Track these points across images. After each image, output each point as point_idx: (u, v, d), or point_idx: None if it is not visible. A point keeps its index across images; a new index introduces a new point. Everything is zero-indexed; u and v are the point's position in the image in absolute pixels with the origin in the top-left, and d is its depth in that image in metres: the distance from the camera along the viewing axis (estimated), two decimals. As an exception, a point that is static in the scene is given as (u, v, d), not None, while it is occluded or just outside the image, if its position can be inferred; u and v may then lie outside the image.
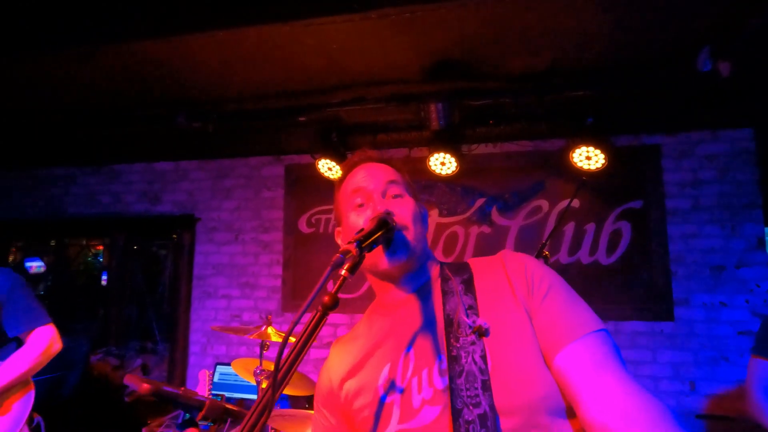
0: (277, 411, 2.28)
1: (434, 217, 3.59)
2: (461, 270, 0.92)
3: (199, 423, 0.69)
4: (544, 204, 3.41)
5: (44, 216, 4.35)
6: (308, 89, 2.95)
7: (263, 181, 3.97)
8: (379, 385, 0.86)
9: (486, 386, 0.74)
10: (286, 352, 0.69)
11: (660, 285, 3.17)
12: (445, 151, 3.30)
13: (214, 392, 3.10)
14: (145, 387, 0.70)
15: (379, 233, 0.80)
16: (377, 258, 0.89)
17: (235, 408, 0.75)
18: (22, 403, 1.88)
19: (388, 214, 0.87)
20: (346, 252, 0.70)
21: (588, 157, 3.13)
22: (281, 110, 3.07)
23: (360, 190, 0.94)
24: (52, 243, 4.58)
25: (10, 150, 4.04)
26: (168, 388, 0.72)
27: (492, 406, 0.72)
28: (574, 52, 2.53)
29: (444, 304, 0.87)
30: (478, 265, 0.92)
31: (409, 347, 0.86)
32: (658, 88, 2.77)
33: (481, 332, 0.79)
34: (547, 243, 2.82)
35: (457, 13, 2.18)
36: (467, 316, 0.82)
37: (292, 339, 1.14)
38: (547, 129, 3.38)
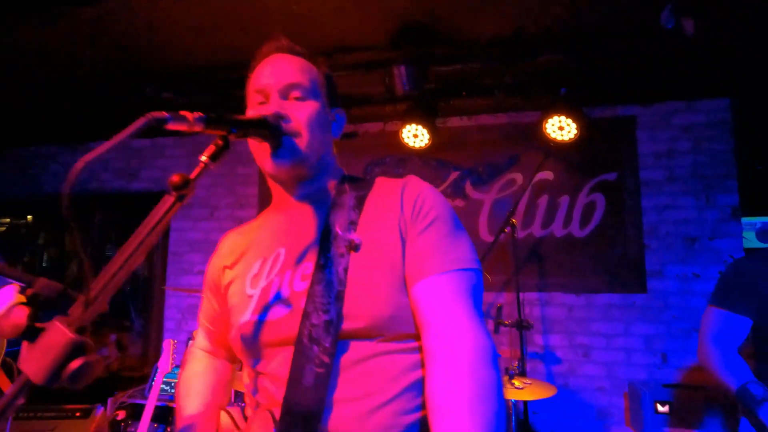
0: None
1: (408, 191, 3.56)
2: (362, 186, 0.92)
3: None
4: (519, 177, 3.37)
5: (23, 194, 4.33)
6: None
7: (238, 157, 3.93)
8: (248, 277, 0.89)
9: (339, 297, 0.76)
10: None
11: (633, 257, 3.13)
12: (418, 123, 3.27)
13: (178, 365, 3.08)
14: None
15: (240, 121, 0.76)
16: (263, 159, 0.88)
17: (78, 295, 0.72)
18: None
19: (278, 116, 0.85)
20: (180, 116, 0.65)
21: (561, 128, 3.09)
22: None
23: (261, 89, 0.89)
24: (29, 219, 4.57)
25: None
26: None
27: (339, 315, 0.75)
28: (540, 17, 2.48)
29: (329, 215, 0.88)
30: (381, 185, 0.92)
31: (283, 248, 0.88)
32: (626, 54, 2.72)
33: (351, 246, 0.80)
34: (515, 211, 2.80)
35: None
36: (346, 230, 0.83)
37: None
38: (522, 101, 3.34)
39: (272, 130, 0.82)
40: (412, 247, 0.80)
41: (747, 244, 4.00)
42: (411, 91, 2.64)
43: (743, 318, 1.66)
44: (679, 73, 2.99)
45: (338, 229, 0.83)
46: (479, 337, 0.74)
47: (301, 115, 0.88)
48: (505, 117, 3.44)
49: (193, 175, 0.69)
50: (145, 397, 2.84)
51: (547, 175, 3.33)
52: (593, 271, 3.18)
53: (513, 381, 2.25)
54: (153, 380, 2.83)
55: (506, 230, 2.78)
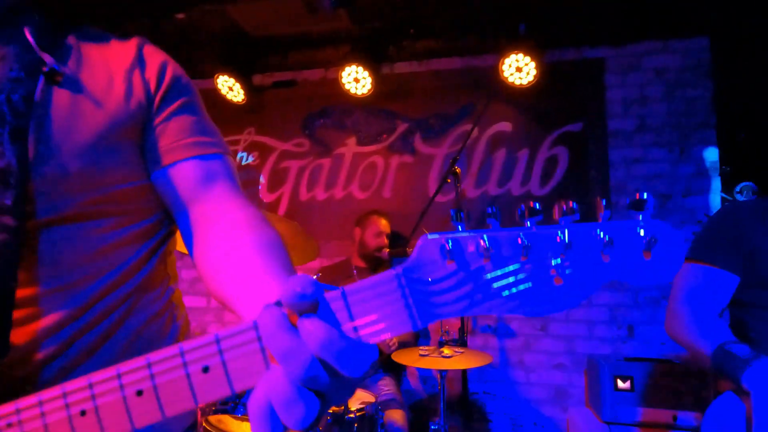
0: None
1: (351, 146, 3.16)
2: (65, 27, 0.70)
3: None
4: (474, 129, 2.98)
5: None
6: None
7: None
8: None
9: (17, 135, 0.57)
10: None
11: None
12: (358, 65, 2.87)
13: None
14: None
15: None
16: None
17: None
18: None
19: None
20: None
21: (519, 68, 2.72)
22: (153, 5, 2.60)
23: None
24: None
25: None
26: None
27: (23, 162, 0.57)
28: None
29: None
30: (94, 30, 0.73)
31: None
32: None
33: (44, 71, 0.60)
34: (458, 157, 2.42)
35: None
36: (36, 51, 0.61)
37: None
38: (477, 42, 2.95)
39: None
40: (169, 122, 0.70)
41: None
42: (336, 8, 2.23)
43: (728, 274, 1.30)
44: (654, 6, 2.62)
45: (31, 40, 0.61)
46: (251, 206, 0.71)
47: None
48: (459, 61, 3.05)
49: None
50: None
51: (504, 126, 2.95)
52: (554, 234, 2.81)
53: (442, 350, 1.88)
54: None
55: (448, 180, 2.40)
